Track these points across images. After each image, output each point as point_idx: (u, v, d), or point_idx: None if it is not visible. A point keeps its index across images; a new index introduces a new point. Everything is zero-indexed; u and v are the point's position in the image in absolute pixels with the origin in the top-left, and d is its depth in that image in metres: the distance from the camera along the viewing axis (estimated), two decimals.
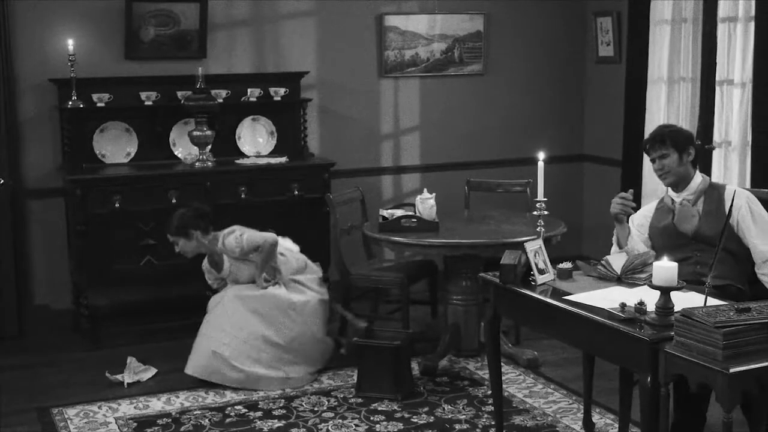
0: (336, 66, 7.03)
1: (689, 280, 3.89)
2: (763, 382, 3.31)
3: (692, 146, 4.44)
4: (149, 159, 6.44)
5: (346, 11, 6.99)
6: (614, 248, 4.55)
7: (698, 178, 4.47)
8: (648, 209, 4.64)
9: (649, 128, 6.76)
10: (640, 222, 4.59)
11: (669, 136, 4.41)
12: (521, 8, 7.47)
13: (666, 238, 4.44)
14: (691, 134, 4.54)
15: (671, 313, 3.51)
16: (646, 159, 6.81)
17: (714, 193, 4.41)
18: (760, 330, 3.29)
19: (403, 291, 5.82)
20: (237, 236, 5.48)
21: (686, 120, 6.66)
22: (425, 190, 5.84)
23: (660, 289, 3.54)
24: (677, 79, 6.67)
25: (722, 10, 6.27)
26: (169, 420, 4.93)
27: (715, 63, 6.32)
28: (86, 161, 6.31)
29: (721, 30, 6.27)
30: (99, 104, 6.28)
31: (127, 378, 5.48)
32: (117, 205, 6.01)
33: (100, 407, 5.12)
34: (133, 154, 6.45)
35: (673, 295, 3.56)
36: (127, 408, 5.10)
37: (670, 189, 4.51)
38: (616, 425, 4.63)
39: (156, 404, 5.16)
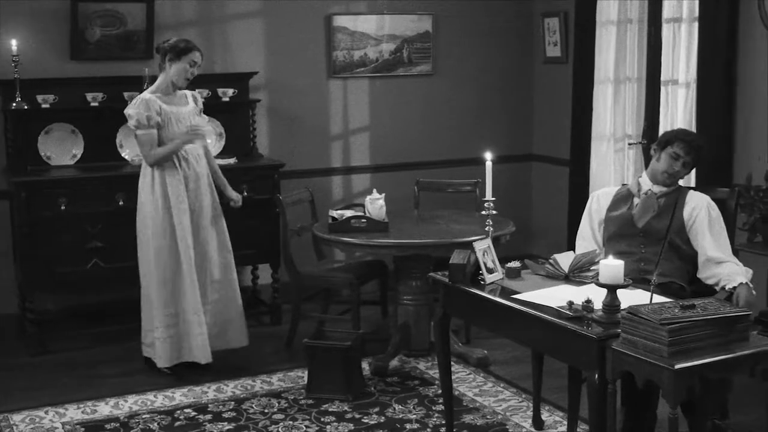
0: (285, 66, 7.00)
1: (633, 277, 3.93)
2: (706, 378, 3.36)
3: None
4: (96, 161, 6.36)
5: (295, 12, 6.97)
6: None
7: None
8: (607, 194, 4.63)
9: (597, 127, 6.86)
10: (597, 207, 4.60)
11: (701, 153, 4.51)
12: (469, 8, 7.50)
13: (618, 226, 4.48)
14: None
15: (618, 310, 3.54)
16: (593, 158, 6.90)
17: (676, 193, 4.45)
18: (705, 326, 3.34)
19: (353, 291, 5.82)
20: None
21: (632, 119, 6.74)
22: (374, 190, 5.85)
23: (606, 287, 3.57)
24: (623, 79, 6.75)
25: (667, 11, 6.36)
26: (118, 424, 4.88)
27: (660, 63, 6.41)
28: (31, 163, 6.22)
29: (666, 30, 6.37)
30: (44, 105, 6.19)
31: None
32: (63, 207, 5.94)
33: (46, 412, 5.05)
34: (79, 156, 6.37)
35: (620, 292, 3.60)
36: (74, 413, 5.04)
37: (645, 175, 4.54)
38: (565, 422, 4.67)
39: (104, 408, 5.10)
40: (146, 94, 5.49)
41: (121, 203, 6.04)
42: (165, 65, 5.52)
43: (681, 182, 4.60)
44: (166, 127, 5.45)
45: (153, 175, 5.46)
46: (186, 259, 5.45)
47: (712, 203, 4.40)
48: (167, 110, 5.46)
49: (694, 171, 5.96)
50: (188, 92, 5.68)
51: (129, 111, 5.46)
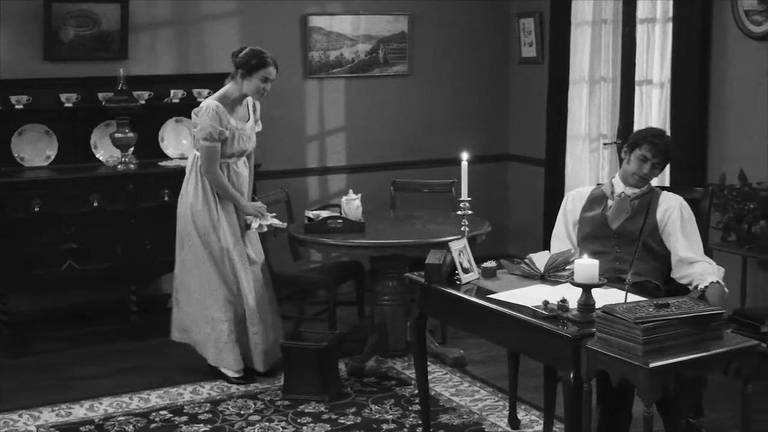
0: None
1: (608, 277, 3.95)
2: (681, 376, 3.38)
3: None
4: (70, 162, 6.32)
5: (270, 12, 6.95)
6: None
7: None
8: (582, 194, 4.65)
9: (572, 127, 6.89)
10: (572, 207, 4.61)
11: (671, 154, 4.52)
12: (445, 9, 7.51)
13: (592, 227, 4.49)
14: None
15: (593, 309, 3.56)
16: (568, 158, 6.93)
17: (649, 195, 4.47)
18: (679, 325, 3.36)
19: (329, 292, 5.81)
20: None
21: (607, 119, 6.77)
22: (351, 190, 5.84)
23: (581, 287, 3.59)
24: (598, 79, 6.78)
25: (641, 11, 6.39)
26: (92, 427, 4.85)
27: (635, 63, 6.44)
28: (4, 164, 6.16)
29: (640, 31, 6.40)
30: (17, 106, 6.14)
31: (254, 224, 5.44)
32: (37, 209, 5.90)
33: (20, 415, 5.00)
34: (53, 157, 6.33)
35: (595, 292, 3.61)
36: (48, 416, 5.00)
37: (617, 176, 4.55)
38: (541, 421, 4.69)
39: (78, 411, 5.06)
40: (215, 103, 5.30)
41: (95, 204, 6.01)
42: (237, 77, 5.36)
43: (655, 182, 4.62)
44: (228, 141, 5.34)
45: (202, 183, 5.38)
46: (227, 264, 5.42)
47: (685, 204, 4.42)
48: (233, 125, 5.35)
49: (668, 170, 6.02)
50: (249, 99, 5.52)
51: (201, 120, 5.28)
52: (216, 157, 5.31)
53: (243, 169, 5.52)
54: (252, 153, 5.65)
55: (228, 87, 5.43)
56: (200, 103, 6.49)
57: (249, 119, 5.52)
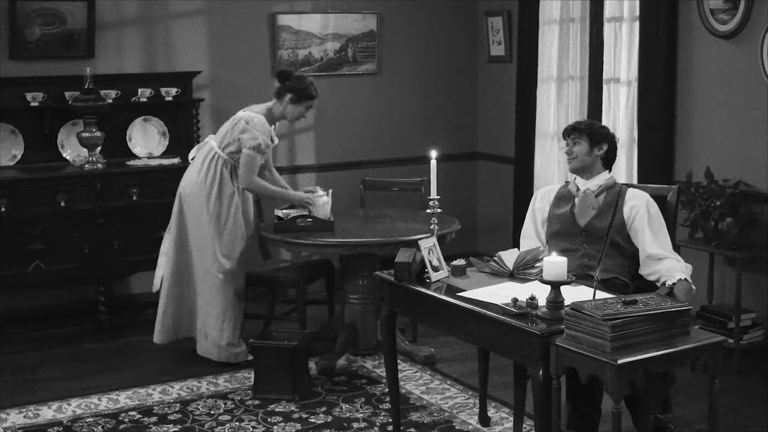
0: (229, 66, 6.96)
1: (577, 274, 3.96)
2: (649, 372, 3.40)
3: (606, 143, 4.55)
4: (36, 161, 6.28)
5: (239, 10, 6.93)
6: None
7: (606, 174, 4.56)
8: (550, 192, 4.68)
9: (540, 126, 6.93)
10: (541, 205, 4.65)
11: (585, 126, 4.60)
12: (414, 8, 7.52)
13: (560, 224, 4.52)
14: (607, 133, 4.61)
15: (561, 306, 3.57)
16: (538, 156, 6.97)
17: (615, 191, 4.50)
18: (647, 322, 3.38)
19: (299, 291, 5.80)
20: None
21: (575, 117, 6.80)
22: (318, 187, 5.84)
23: (550, 284, 3.60)
24: (566, 78, 6.81)
25: (608, 10, 6.44)
26: (61, 428, 4.81)
27: (602, 62, 6.48)
28: None
29: (608, 30, 6.44)
30: None
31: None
32: (3, 209, 5.85)
33: None
34: (19, 157, 6.28)
35: (563, 289, 3.63)
36: (16, 417, 4.96)
37: (578, 177, 4.58)
38: (512, 419, 4.70)
39: (47, 413, 5.02)
40: (263, 119, 5.50)
41: (62, 204, 5.97)
42: (284, 99, 5.55)
43: (622, 179, 4.65)
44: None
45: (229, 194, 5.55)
46: None
47: (651, 200, 4.45)
48: (271, 144, 5.60)
49: (635, 168, 6.07)
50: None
51: (254, 130, 5.45)
52: (257, 168, 5.51)
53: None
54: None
55: (272, 105, 5.62)
56: (167, 101, 6.50)
57: (276, 141, 5.73)
